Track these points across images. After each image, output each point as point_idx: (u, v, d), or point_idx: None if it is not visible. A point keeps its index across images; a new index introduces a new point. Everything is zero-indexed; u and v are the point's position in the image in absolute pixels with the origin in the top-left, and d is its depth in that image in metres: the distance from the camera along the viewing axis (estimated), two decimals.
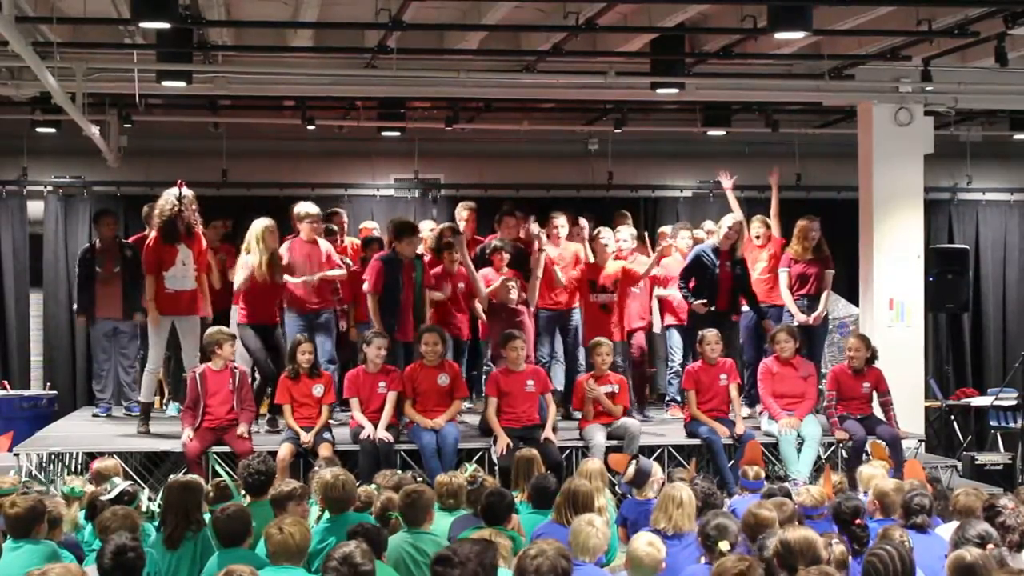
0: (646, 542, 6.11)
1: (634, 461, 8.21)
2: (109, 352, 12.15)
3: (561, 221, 11.77)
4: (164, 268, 10.71)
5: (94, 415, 12.16)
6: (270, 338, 10.85)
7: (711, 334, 10.64)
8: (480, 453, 9.99)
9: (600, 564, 6.24)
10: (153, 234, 10.83)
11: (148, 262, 10.76)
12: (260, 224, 10.69)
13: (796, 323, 11.34)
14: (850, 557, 6.16)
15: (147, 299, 10.81)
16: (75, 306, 12.82)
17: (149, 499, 7.55)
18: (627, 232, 12.10)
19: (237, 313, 10.96)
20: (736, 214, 11.77)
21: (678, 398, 11.67)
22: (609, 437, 10.16)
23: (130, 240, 12.48)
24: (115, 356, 12.14)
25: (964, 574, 5.46)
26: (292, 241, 11.06)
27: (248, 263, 10.63)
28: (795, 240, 11.70)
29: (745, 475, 8.49)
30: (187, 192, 10.77)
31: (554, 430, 10.22)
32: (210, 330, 10.20)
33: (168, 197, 10.73)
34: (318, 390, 10.07)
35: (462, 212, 12.39)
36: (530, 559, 5.17)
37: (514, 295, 11.10)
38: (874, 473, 8.29)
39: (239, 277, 10.73)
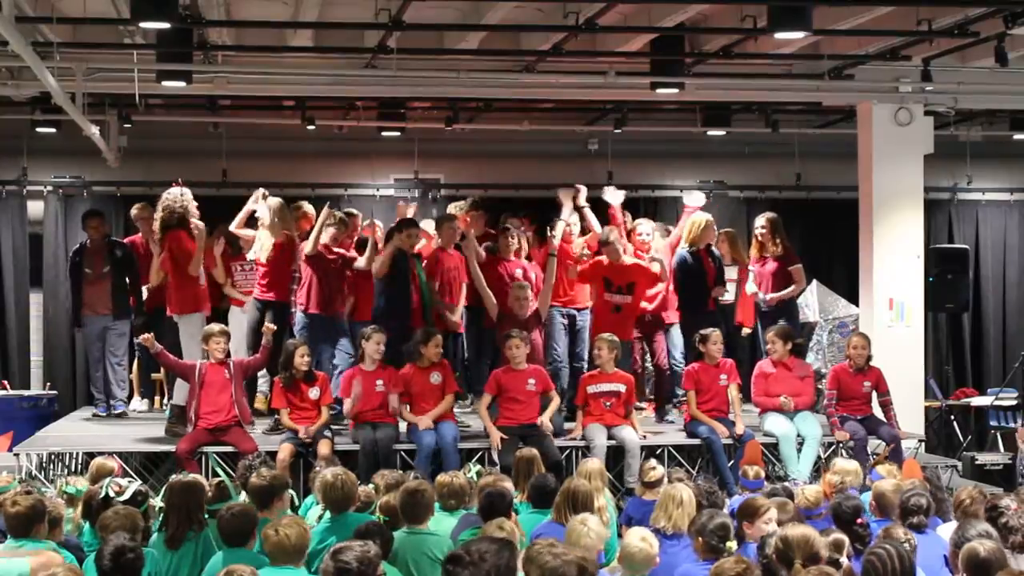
0: (639, 537, 6.11)
1: (653, 460, 8.22)
2: (101, 353, 12.04)
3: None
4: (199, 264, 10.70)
5: (94, 415, 12.08)
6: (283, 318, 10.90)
7: (715, 333, 10.64)
8: (480, 453, 10.00)
9: (600, 564, 6.24)
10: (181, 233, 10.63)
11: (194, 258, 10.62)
12: (277, 201, 10.89)
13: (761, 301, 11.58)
14: (847, 558, 6.15)
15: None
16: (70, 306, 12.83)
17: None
18: (648, 226, 12.04)
19: (256, 289, 11.02)
20: (704, 213, 11.81)
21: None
22: (610, 437, 10.16)
23: (126, 240, 12.48)
24: (105, 355, 12.03)
25: (980, 568, 5.46)
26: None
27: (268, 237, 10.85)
28: None
29: (745, 475, 8.49)
30: (185, 191, 10.75)
31: (557, 434, 10.26)
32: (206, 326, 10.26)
33: (174, 195, 10.68)
34: (314, 393, 10.06)
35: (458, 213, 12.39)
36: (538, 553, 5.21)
37: (525, 306, 10.76)
38: (847, 467, 8.29)
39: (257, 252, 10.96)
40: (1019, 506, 6.55)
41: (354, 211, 12.51)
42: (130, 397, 12.63)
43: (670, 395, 11.77)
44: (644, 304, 11.44)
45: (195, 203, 10.65)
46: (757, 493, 7.89)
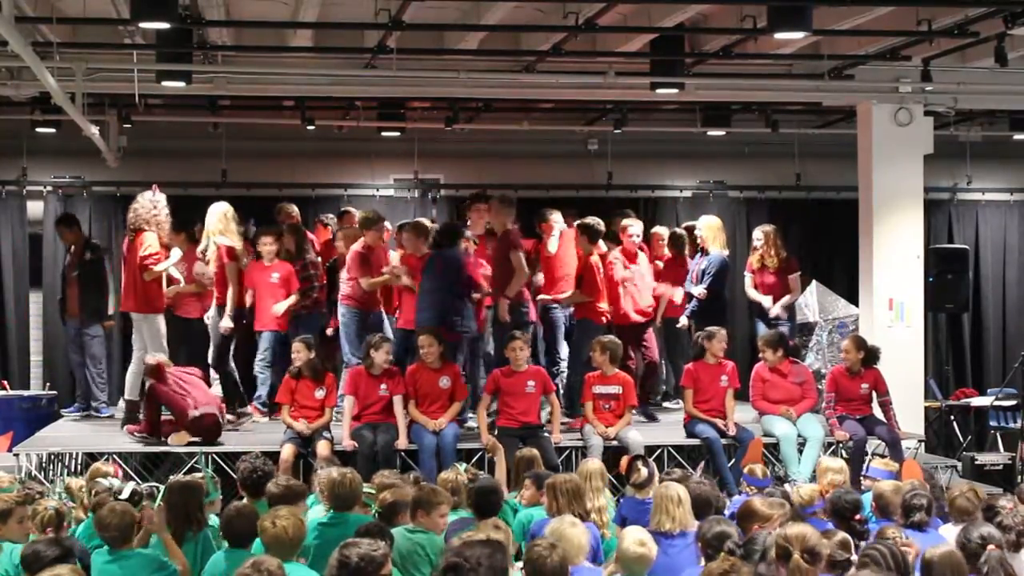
0: (636, 541, 6.09)
1: (639, 462, 8.12)
2: (80, 356, 12.10)
3: (556, 217, 11.75)
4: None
5: (74, 418, 12.02)
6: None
7: (723, 332, 10.66)
8: (479, 453, 9.99)
9: (598, 562, 6.25)
10: (156, 237, 10.91)
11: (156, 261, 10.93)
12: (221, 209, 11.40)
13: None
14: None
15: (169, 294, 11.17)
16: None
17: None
18: (638, 227, 12.02)
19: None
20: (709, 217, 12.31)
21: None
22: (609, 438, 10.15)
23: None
24: (85, 358, 12.07)
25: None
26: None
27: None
28: None
29: (753, 473, 8.40)
30: (160, 196, 10.99)
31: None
32: None
33: (145, 201, 10.96)
34: (320, 393, 10.08)
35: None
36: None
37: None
38: (831, 464, 8.27)
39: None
40: (1014, 505, 6.57)
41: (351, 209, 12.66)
42: None
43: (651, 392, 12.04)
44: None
45: (167, 210, 10.97)
46: (763, 493, 7.87)
